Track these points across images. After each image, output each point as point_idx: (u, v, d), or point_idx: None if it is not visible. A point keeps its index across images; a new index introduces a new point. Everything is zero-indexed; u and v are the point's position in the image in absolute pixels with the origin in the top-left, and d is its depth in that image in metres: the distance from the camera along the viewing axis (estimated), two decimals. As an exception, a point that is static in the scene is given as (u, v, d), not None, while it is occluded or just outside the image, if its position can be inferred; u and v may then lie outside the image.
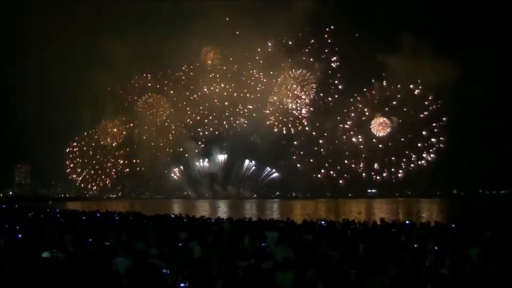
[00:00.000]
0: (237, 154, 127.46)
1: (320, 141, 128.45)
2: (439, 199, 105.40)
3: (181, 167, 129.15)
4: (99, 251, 7.93)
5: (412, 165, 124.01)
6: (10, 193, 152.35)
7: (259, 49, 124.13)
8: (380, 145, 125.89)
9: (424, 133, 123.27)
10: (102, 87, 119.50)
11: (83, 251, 8.24)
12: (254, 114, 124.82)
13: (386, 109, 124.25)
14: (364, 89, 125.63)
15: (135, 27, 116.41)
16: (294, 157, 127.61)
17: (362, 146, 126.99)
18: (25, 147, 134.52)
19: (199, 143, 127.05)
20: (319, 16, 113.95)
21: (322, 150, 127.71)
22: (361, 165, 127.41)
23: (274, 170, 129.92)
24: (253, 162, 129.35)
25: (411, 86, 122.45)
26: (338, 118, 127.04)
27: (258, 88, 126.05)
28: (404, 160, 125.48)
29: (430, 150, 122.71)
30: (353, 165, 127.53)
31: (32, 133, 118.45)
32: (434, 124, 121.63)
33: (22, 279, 5.03)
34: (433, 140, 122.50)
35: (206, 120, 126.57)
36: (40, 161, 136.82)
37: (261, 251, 7.85)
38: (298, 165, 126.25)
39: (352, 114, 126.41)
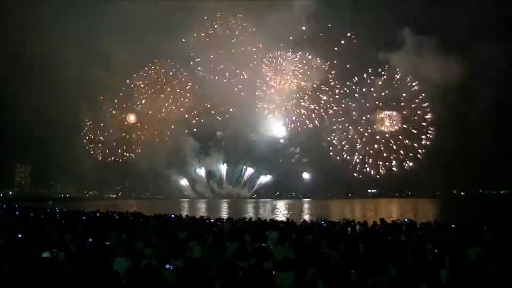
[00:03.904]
0: (235, 153, 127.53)
1: (322, 143, 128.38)
2: (439, 199, 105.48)
3: (180, 167, 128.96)
4: (99, 251, 7.93)
5: (412, 164, 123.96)
6: (10, 193, 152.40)
7: (259, 45, 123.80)
8: (380, 144, 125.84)
9: (424, 132, 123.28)
10: (101, 85, 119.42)
11: (83, 251, 8.25)
12: (254, 112, 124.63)
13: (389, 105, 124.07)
14: (365, 88, 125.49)
15: (135, 25, 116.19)
16: (296, 158, 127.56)
17: (360, 145, 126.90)
18: (25, 147, 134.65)
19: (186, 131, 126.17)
20: (319, 14, 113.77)
21: (322, 149, 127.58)
22: (360, 164, 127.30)
23: (262, 174, 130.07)
24: (250, 167, 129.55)
25: (413, 83, 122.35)
26: (337, 119, 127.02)
27: (258, 86, 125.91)
28: (404, 159, 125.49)
29: (430, 150, 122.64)
30: (352, 165, 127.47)
31: (32, 133, 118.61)
32: (435, 122, 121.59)
33: (22, 279, 5.03)
34: (433, 139, 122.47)
35: (204, 118, 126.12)
36: (40, 161, 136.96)
37: (261, 251, 7.86)
38: (300, 162, 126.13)
39: (353, 112, 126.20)
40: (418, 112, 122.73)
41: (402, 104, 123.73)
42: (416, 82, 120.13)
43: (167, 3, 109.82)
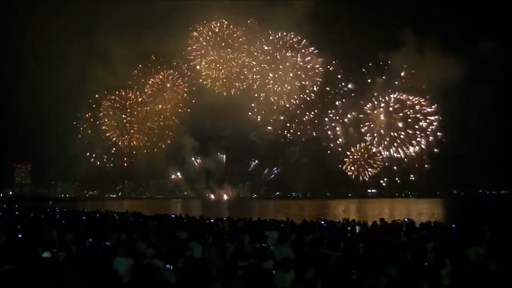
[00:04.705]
0: (235, 152, 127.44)
1: (322, 142, 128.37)
2: (439, 199, 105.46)
3: (179, 166, 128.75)
4: (99, 251, 7.93)
5: (413, 164, 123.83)
6: (10, 193, 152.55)
7: (259, 43, 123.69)
8: (380, 144, 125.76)
9: (425, 132, 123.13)
10: (100, 84, 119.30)
11: (83, 251, 8.25)
12: (251, 113, 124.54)
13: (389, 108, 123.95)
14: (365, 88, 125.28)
15: (134, 24, 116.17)
16: (296, 157, 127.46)
17: (362, 145, 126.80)
18: (25, 147, 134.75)
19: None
20: (319, 13, 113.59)
21: (321, 149, 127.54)
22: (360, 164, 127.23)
23: (275, 169, 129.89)
24: (257, 161, 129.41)
25: (413, 84, 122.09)
26: (337, 118, 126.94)
27: (257, 86, 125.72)
28: (404, 159, 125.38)
29: (430, 150, 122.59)
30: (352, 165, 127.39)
31: (32, 133, 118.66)
32: (435, 123, 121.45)
33: (22, 279, 5.04)
34: (434, 139, 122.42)
35: (203, 117, 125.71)
36: (40, 161, 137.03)
37: (261, 251, 7.86)
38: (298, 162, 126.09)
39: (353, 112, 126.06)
40: (419, 112, 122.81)
41: (402, 104, 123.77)
42: (416, 82, 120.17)
43: (166, 3, 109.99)
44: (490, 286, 5.67)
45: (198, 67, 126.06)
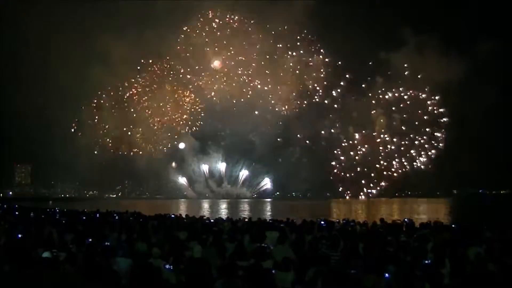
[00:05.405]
0: (235, 152, 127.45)
1: (321, 142, 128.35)
2: (439, 199, 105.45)
3: (179, 166, 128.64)
4: (99, 251, 7.93)
5: (413, 164, 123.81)
6: (10, 193, 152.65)
7: (258, 46, 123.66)
8: (380, 145, 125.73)
9: (425, 132, 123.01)
10: (100, 85, 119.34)
11: (83, 251, 8.25)
12: (255, 113, 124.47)
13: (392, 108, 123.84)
14: (364, 86, 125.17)
15: (134, 24, 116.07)
16: (296, 157, 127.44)
17: (362, 146, 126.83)
18: (25, 147, 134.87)
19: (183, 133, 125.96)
20: (319, 13, 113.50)
21: (321, 149, 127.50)
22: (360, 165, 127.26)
23: (266, 183, 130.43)
24: (247, 172, 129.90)
25: (413, 84, 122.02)
26: (336, 118, 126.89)
27: (256, 84, 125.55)
28: (404, 159, 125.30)
29: (430, 151, 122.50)
30: (352, 164, 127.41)
31: (32, 133, 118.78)
32: (436, 122, 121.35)
33: (22, 279, 5.02)
34: (434, 139, 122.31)
35: (203, 117, 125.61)
36: (40, 161, 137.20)
37: (261, 251, 7.86)
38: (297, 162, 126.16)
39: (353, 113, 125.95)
40: (419, 112, 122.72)
41: (403, 103, 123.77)
42: (417, 82, 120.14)
43: (166, 2, 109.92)
44: (490, 286, 5.66)
45: (197, 67, 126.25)
